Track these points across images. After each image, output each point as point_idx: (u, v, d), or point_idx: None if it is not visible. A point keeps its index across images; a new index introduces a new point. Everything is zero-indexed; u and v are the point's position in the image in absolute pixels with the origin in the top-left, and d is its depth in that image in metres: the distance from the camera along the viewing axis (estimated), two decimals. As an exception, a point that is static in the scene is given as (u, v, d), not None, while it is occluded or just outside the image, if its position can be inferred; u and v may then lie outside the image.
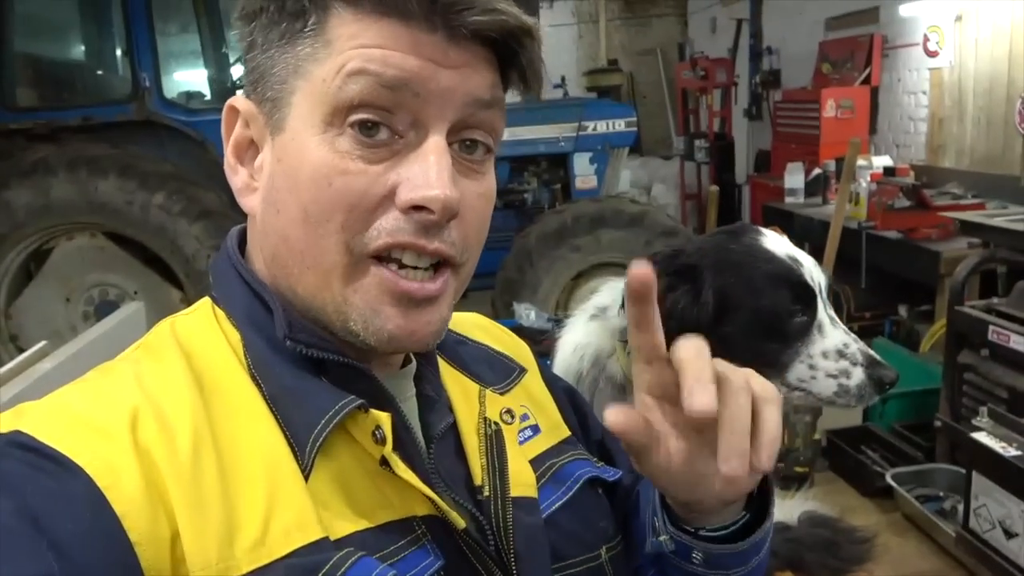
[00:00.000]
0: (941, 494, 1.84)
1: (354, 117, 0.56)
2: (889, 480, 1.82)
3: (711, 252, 1.06)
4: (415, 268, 0.59)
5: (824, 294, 1.02)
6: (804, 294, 1.00)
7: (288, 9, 0.58)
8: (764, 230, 1.07)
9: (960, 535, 1.43)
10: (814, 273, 1.02)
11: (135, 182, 3.88)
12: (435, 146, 0.58)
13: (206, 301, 0.67)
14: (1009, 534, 1.31)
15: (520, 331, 3.14)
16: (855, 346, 0.99)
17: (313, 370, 0.61)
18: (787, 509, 1.80)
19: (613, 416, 0.57)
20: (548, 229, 4.24)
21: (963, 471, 1.43)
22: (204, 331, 0.64)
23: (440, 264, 0.61)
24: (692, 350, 0.57)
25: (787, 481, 1.94)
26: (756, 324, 1.01)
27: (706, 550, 0.68)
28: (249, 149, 0.63)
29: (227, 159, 0.64)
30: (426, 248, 0.58)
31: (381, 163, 0.57)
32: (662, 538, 0.69)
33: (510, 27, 0.58)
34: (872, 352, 0.99)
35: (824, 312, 1.01)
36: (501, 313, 4.09)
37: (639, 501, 0.81)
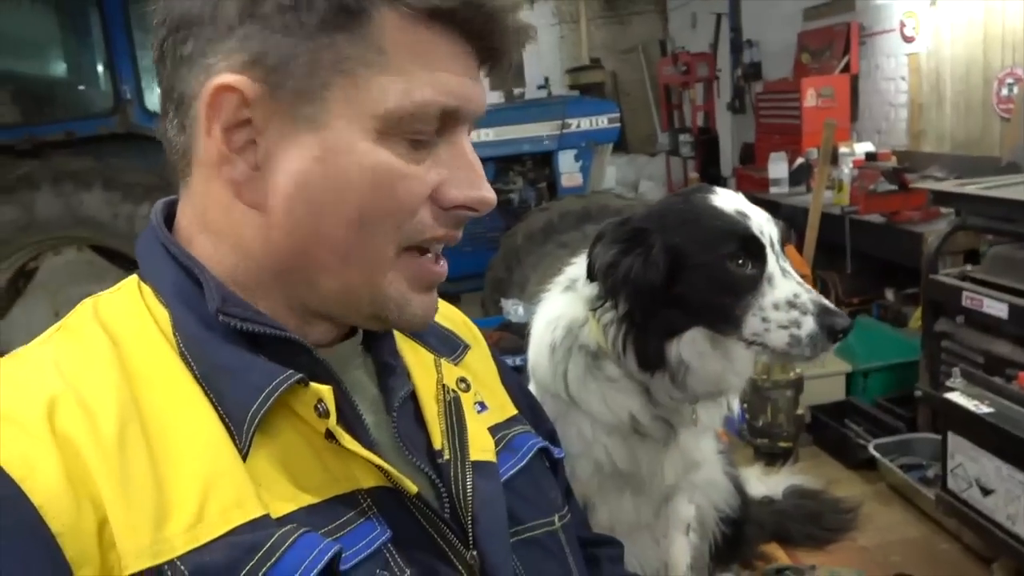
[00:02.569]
0: (924, 463, 1.86)
1: (414, 130, 0.59)
2: (872, 451, 1.84)
3: (660, 214, 1.07)
4: (429, 253, 0.63)
5: (776, 247, 1.03)
6: (752, 246, 1.01)
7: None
8: (716, 189, 1.08)
9: (939, 497, 1.44)
10: (764, 226, 1.03)
11: (120, 194, 3.88)
12: (470, 151, 0.63)
13: (132, 279, 0.65)
14: (985, 491, 1.32)
15: (508, 327, 3.13)
16: (806, 296, 0.99)
17: (248, 346, 0.60)
18: (772, 483, 1.81)
19: None
20: (535, 227, 4.25)
21: (942, 436, 1.44)
22: (129, 310, 0.61)
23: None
24: None
25: (772, 456, 1.96)
26: (707, 280, 1.02)
27: None
28: (238, 132, 0.58)
29: (216, 147, 0.58)
30: (456, 237, 0.63)
31: (423, 163, 0.60)
32: None
33: (524, 42, 0.64)
34: (825, 301, 0.99)
35: (775, 264, 1.01)
36: (491, 311, 4.09)
37: None
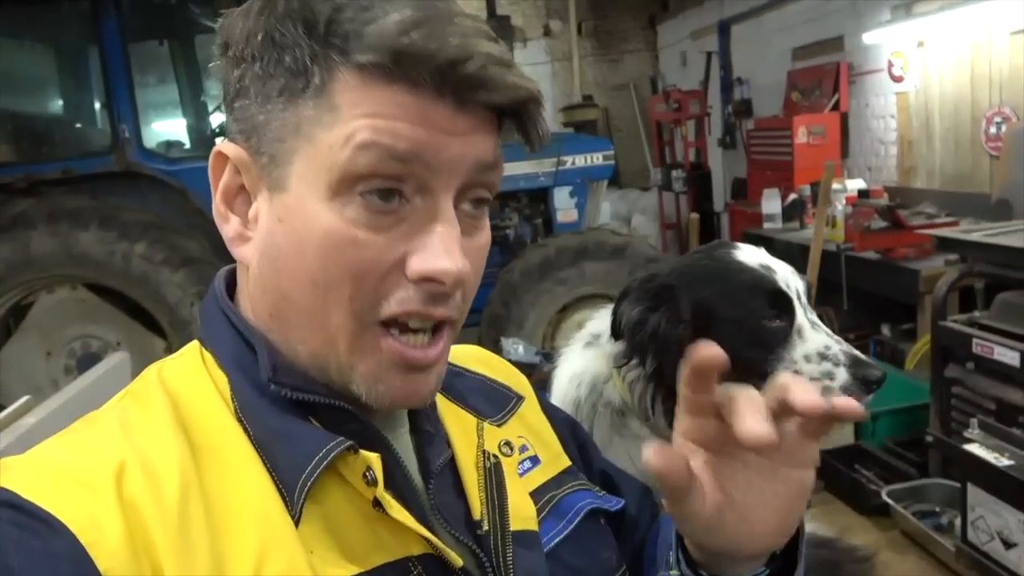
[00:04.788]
0: (938, 509, 1.85)
1: (364, 186, 0.55)
2: (885, 498, 1.83)
3: (685, 271, 1.07)
4: (417, 332, 0.59)
5: (803, 299, 1.03)
6: (779, 300, 1.01)
7: (288, 65, 0.55)
8: (739, 244, 1.08)
9: (960, 549, 1.43)
10: (790, 280, 1.03)
11: (116, 232, 3.85)
12: (444, 215, 0.57)
13: (194, 345, 0.66)
14: (1008, 544, 1.31)
15: (508, 366, 3.08)
16: (837, 347, 0.99)
17: (301, 412, 0.60)
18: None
19: (654, 456, 0.54)
20: (532, 263, 4.27)
21: (958, 485, 1.43)
22: (191, 376, 0.63)
23: (440, 324, 0.60)
24: (744, 391, 0.56)
25: (784, 503, 1.94)
26: (736, 334, 1.01)
27: None
28: (239, 195, 0.61)
29: (216, 206, 0.62)
30: (432, 315, 0.58)
31: (389, 231, 0.56)
32: (672, 573, 0.68)
33: (521, 99, 0.58)
34: (856, 352, 0.99)
35: (804, 316, 1.01)
36: (488, 349, 4.08)
37: (657, 533, 0.81)
